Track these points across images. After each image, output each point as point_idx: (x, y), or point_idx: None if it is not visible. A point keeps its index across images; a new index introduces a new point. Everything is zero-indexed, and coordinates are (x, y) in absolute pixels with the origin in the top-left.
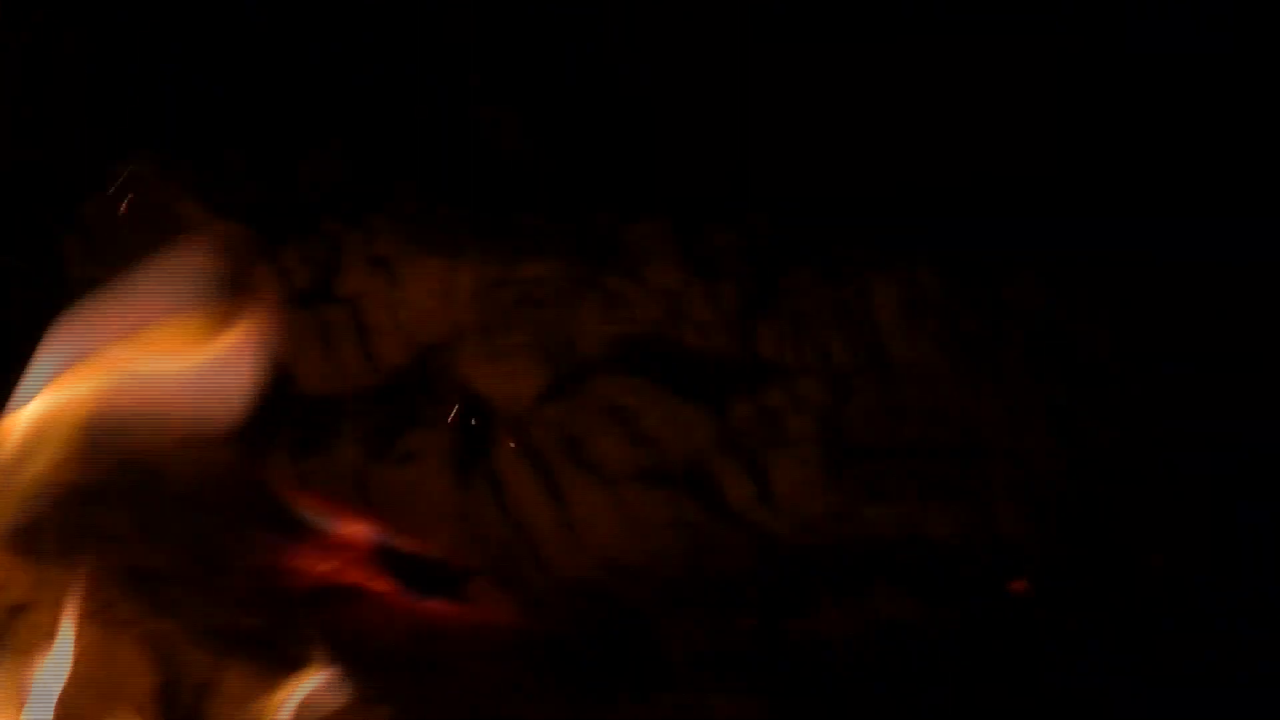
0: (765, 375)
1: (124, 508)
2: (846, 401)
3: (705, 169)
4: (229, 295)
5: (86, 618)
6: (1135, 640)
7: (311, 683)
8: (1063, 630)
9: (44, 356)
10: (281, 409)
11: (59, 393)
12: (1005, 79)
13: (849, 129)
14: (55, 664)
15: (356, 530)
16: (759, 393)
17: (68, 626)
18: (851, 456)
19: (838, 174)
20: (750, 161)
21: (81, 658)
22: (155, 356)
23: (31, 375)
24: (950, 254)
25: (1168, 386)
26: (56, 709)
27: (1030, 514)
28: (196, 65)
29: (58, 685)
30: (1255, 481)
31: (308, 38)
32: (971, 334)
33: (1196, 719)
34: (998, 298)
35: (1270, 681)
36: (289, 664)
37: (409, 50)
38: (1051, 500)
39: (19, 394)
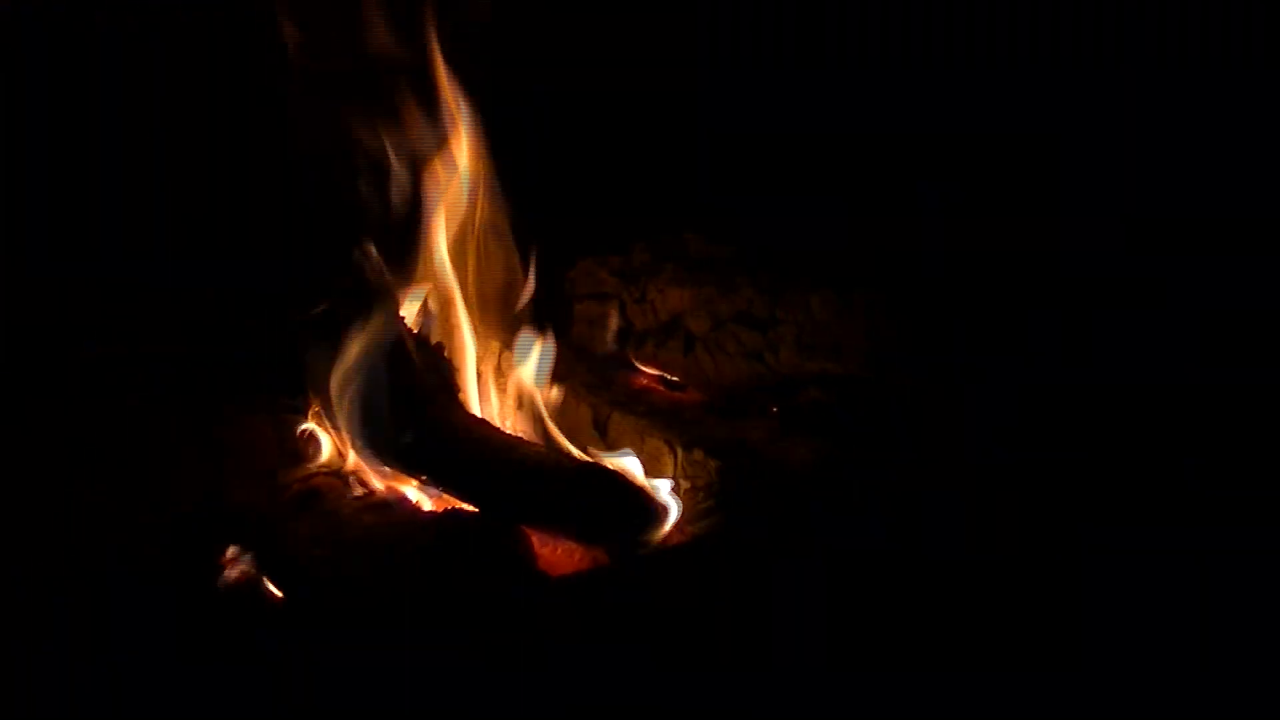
0: (775, 324)
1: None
2: (806, 331)
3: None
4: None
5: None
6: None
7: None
8: None
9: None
10: (627, 338)
11: None
12: None
13: None
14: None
15: (653, 371)
16: (774, 328)
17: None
18: (806, 348)
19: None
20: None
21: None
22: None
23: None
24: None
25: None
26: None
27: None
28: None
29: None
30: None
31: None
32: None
33: None
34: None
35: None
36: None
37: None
38: None
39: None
